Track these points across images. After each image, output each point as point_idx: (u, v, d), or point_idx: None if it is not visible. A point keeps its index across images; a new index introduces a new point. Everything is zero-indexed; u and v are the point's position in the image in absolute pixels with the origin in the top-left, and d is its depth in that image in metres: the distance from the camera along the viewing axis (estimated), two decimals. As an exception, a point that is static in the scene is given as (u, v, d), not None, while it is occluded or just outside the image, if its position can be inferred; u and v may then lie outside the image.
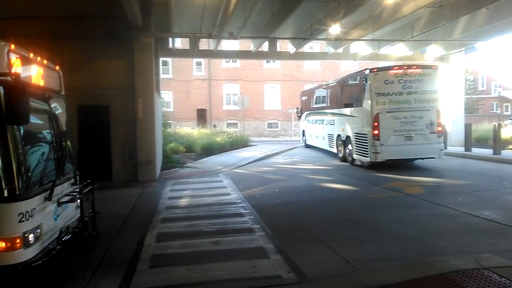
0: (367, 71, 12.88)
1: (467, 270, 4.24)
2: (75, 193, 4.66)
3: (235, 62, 34.26)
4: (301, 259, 4.94)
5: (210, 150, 18.36)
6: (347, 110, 14.72)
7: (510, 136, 19.01)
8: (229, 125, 33.67)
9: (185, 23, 14.91)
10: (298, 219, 7.08)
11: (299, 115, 23.36)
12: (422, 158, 13.19)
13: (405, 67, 12.96)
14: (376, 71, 12.77)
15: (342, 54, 20.13)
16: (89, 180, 5.15)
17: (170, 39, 16.78)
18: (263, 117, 35.11)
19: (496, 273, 4.17)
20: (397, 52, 19.88)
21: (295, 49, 18.61)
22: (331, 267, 4.69)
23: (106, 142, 11.28)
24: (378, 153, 12.43)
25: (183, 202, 8.73)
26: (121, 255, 5.29)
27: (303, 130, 22.55)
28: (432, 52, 19.88)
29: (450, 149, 17.47)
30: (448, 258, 4.73)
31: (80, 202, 4.84)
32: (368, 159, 12.85)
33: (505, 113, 37.96)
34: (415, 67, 13.05)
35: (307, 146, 21.54)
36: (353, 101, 14.14)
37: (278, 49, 19.56)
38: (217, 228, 6.44)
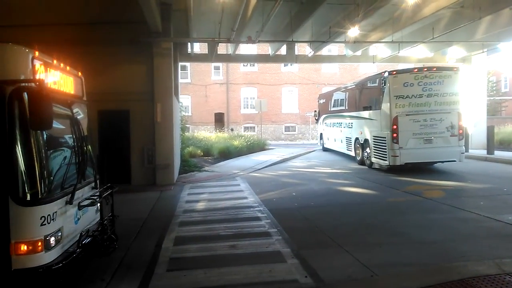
0: (386, 74, 12.82)
1: (488, 276, 4.14)
2: (95, 197, 4.75)
3: (253, 66, 34.39)
4: (319, 263, 4.92)
5: (227, 153, 18.45)
6: (365, 113, 14.65)
7: (535, 138, 18.48)
8: (246, 128, 33.77)
9: (204, 28, 15.08)
10: (316, 223, 7.04)
11: (316, 118, 23.31)
12: (442, 162, 12.99)
13: (425, 69, 12.85)
14: (395, 74, 12.71)
15: (360, 57, 19.99)
16: (108, 184, 5.24)
17: (189, 44, 16.99)
18: (281, 120, 35.08)
19: (519, 279, 4.06)
20: (417, 54, 19.61)
21: (313, 52, 18.57)
22: (348, 272, 4.65)
23: (126, 146, 11.47)
24: (397, 156, 12.32)
25: (200, 205, 8.80)
26: (139, 258, 5.37)
27: (321, 133, 22.48)
28: (453, 53, 19.54)
29: (472, 152, 17.10)
30: (468, 263, 4.63)
31: (100, 205, 4.93)
32: (386, 163, 12.74)
33: (530, 115, 36.87)
34: (435, 69, 12.92)
35: (325, 149, 21.48)
36: (372, 104, 14.07)
37: (296, 53, 19.61)
38: (234, 232, 6.47)
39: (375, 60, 19.83)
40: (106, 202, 5.09)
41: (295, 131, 35.48)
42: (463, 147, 12.90)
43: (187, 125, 25.03)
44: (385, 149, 12.71)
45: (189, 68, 33.33)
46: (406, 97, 12.45)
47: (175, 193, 10.36)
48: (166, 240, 6.15)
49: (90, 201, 4.62)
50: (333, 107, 19.61)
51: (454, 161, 12.73)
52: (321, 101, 22.49)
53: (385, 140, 12.72)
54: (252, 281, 4.47)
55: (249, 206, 8.47)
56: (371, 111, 14.09)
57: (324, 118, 21.30)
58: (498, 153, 16.07)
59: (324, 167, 15.30)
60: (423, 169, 13.10)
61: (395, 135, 12.32)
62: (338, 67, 34.93)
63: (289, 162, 17.53)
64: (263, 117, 28.61)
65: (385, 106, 12.74)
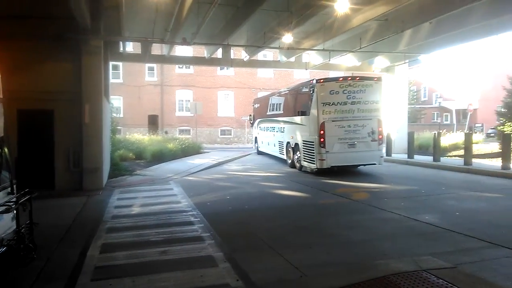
0: (314, 82, 13.45)
1: (407, 272, 4.42)
2: (11, 203, 4.37)
3: (189, 68, 33.94)
4: (250, 266, 4.94)
5: (161, 157, 18.00)
6: (296, 119, 15.22)
7: (448, 144, 20.23)
8: (181, 131, 33.21)
9: (137, 27, 14.60)
10: (249, 226, 7.08)
11: (251, 122, 23.67)
12: (364, 165, 13.81)
13: (350, 78, 13.61)
14: (322, 82, 13.35)
15: (294, 63, 20.57)
16: (27, 189, 4.85)
17: (121, 43, 16.34)
18: (216, 124, 34.98)
19: (434, 274, 4.38)
20: (346, 62, 20.60)
21: (249, 56, 18.78)
22: (280, 274, 4.73)
23: (49, 149, 10.72)
24: (324, 160, 12.98)
25: (130, 211, 8.47)
26: (61, 268, 5.03)
27: (256, 137, 22.88)
28: (379, 63, 20.81)
29: (394, 156, 18.32)
30: (390, 261, 4.92)
31: (16, 212, 4.55)
32: (315, 166, 13.32)
33: (445, 122, 40.33)
34: (358, 78, 13.72)
35: (259, 153, 21.87)
36: (302, 110, 14.62)
37: (232, 56, 19.63)
38: (165, 237, 6.29)
39: (308, 67, 20.51)
40: (24, 209, 4.70)
41: (230, 134, 35.56)
42: (383, 151, 13.72)
43: (118, 127, 24.03)
44: (313, 153, 13.32)
45: (121, 68, 32.06)
46: (332, 104, 13.10)
47: (103, 198, 9.88)
48: (92, 248, 5.82)
49: (4, 207, 4.24)
50: (266, 111, 20.03)
51: (375, 164, 13.58)
52: (256, 105, 22.96)
53: (313, 145, 13.32)
54: (183, 287, 4.38)
55: (182, 211, 8.31)
56: (301, 116, 14.67)
57: (259, 122, 21.72)
58: (418, 157, 17.34)
59: (258, 170, 15.50)
60: (349, 172, 13.78)
61: (322, 139, 12.95)
62: (273, 72, 35.62)
63: (224, 165, 17.51)
64: (198, 120, 28.32)
65: (313, 112, 13.35)
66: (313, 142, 13.34)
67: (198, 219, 7.51)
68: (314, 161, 13.34)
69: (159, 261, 5.23)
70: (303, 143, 14.25)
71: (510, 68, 25.54)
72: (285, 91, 18.00)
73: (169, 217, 7.75)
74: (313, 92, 13.38)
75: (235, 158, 20.14)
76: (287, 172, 14.66)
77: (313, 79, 13.85)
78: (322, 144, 12.95)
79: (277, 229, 6.86)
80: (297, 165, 15.05)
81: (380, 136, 13.46)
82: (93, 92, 11.00)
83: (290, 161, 15.87)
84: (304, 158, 14.23)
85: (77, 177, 10.91)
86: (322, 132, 12.96)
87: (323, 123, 12.99)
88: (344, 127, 13.10)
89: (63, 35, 10.55)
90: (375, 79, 13.81)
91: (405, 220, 7.22)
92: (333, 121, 13.05)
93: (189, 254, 5.46)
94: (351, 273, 4.57)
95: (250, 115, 24.13)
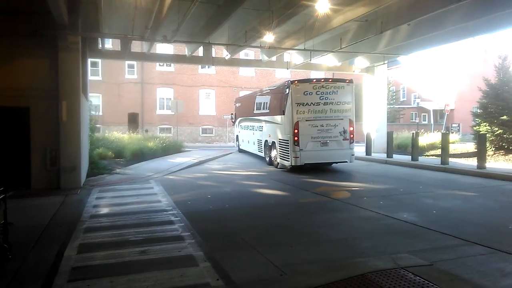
0: (289, 83, 14.03)
1: (385, 270, 4.49)
2: (-16, 203, 4.25)
3: (170, 66, 33.62)
4: (231, 265, 4.93)
5: (141, 155, 17.77)
6: (273, 118, 15.75)
7: (426, 143, 20.64)
8: (162, 130, 32.90)
9: (116, 24, 14.38)
10: (229, 225, 7.07)
11: (233, 121, 24.00)
12: (336, 162, 14.58)
13: (323, 80, 14.20)
14: (297, 83, 13.93)
15: (275, 62, 20.63)
16: (1, 189, 4.73)
17: (100, 39, 16.06)
18: (198, 122, 34.78)
19: (411, 272, 4.46)
20: (327, 62, 20.78)
21: (230, 55, 18.72)
22: (260, 272, 4.73)
23: (25, 147, 10.46)
24: (298, 157, 13.62)
25: (109, 210, 8.34)
26: (37, 269, 4.90)
27: (237, 135, 23.28)
28: (359, 63, 21.08)
29: (374, 155, 18.59)
30: (369, 259, 4.99)
31: (-11, 212, 4.43)
32: (289, 163, 13.94)
33: (423, 122, 41.14)
34: (331, 80, 14.42)
35: (240, 150, 22.26)
36: (278, 110, 15.09)
37: (213, 55, 19.57)
38: (144, 237, 6.22)
39: (289, 66, 20.61)
40: (-3, 209, 4.59)
41: (212, 133, 35.41)
42: (354, 149, 14.38)
43: (97, 125, 23.62)
44: (288, 151, 13.88)
45: (101, 65, 31.53)
46: (306, 104, 13.70)
47: (81, 197, 9.69)
48: (69, 248, 5.70)
49: (-24, 208, 4.13)
50: (247, 110, 20.31)
51: (346, 162, 14.26)
52: (237, 104, 23.29)
53: (288, 143, 13.91)
54: (162, 287, 4.33)
55: (162, 210, 8.23)
56: (277, 116, 15.17)
57: (240, 121, 22.05)
58: (397, 156, 17.65)
59: (239, 169, 15.48)
60: (330, 171, 13.96)
61: (296, 138, 13.57)
62: (255, 71, 35.63)
63: (206, 164, 17.43)
64: (179, 118, 28.10)
65: (288, 112, 13.93)
66: (288, 140, 13.90)
67: (179, 218, 7.45)
68: (289, 158, 13.90)
69: (138, 261, 5.16)
70: (279, 142, 14.78)
71: (485, 69, 26.24)
72: (263, 91, 18.41)
73: (149, 216, 7.66)
74: (288, 93, 13.94)
75: (217, 157, 20.06)
76: (267, 170, 14.71)
77: (288, 80, 14.42)
78: (296, 143, 13.56)
79: (257, 228, 6.87)
80: (275, 162, 15.51)
81: (352, 136, 14.09)
82: (70, 90, 10.77)
83: (268, 158, 16.34)
84: (280, 156, 14.78)
85: (54, 176, 10.68)
86: (296, 131, 13.57)
87: (297, 122, 13.59)
88: (317, 126, 13.73)
89: (39, 31, 10.30)
90: (347, 81, 14.30)
91: (384, 218, 7.33)
92: (306, 120, 13.66)
93: (169, 254, 5.41)
94: (331, 271, 4.61)
95: (232, 114, 24.38)
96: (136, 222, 7.24)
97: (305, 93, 13.71)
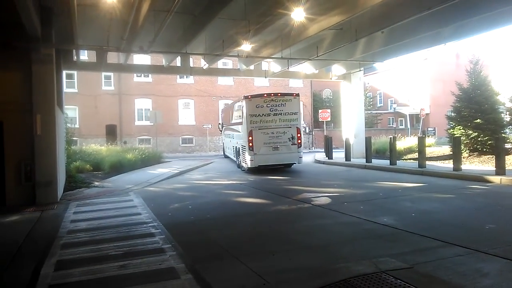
0: (243, 97, 16.49)
1: (367, 275, 4.53)
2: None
3: (147, 76, 33.33)
4: (213, 276, 4.88)
5: (120, 167, 17.50)
6: (238, 127, 17.99)
7: (404, 147, 21.04)
8: (141, 141, 32.49)
9: (91, 35, 14.22)
10: (211, 236, 7.01)
11: (220, 130, 25.64)
12: (286, 164, 16.76)
13: (272, 94, 16.51)
14: (250, 98, 16.28)
15: (254, 71, 20.76)
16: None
17: (74, 51, 15.84)
18: (177, 132, 34.51)
19: (392, 275, 4.52)
20: (305, 70, 21.01)
21: (208, 65, 18.75)
22: (242, 282, 4.70)
23: (-1, 162, 10.18)
24: (253, 160, 15.90)
25: (87, 225, 8.14)
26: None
27: (223, 143, 25.53)
28: (336, 70, 21.40)
29: (353, 160, 18.82)
30: (351, 264, 5.03)
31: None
32: (247, 165, 16.28)
33: (400, 127, 41.90)
34: (279, 94, 16.64)
35: (226, 156, 24.35)
36: (240, 120, 17.27)
37: (191, 65, 19.58)
38: (125, 251, 6.09)
39: (267, 74, 20.77)
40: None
41: (192, 143, 35.18)
42: (301, 153, 16.57)
43: (74, 138, 23.18)
44: (246, 155, 16.12)
45: (76, 77, 31.02)
46: (258, 115, 15.96)
47: (59, 212, 9.45)
48: (46, 265, 5.53)
49: None
50: (227, 120, 21.95)
51: (295, 163, 16.65)
52: (223, 114, 25.10)
53: (245, 148, 16.15)
54: (143, 302, 4.25)
55: (142, 223, 8.10)
56: (239, 125, 17.36)
57: (224, 130, 23.89)
58: (376, 161, 17.90)
59: (220, 178, 15.43)
60: (311, 178, 14.13)
61: (251, 144, 15.87)
62: (233, 80, 35.68)
63: (186, 174, 17.30)
64: (159, 129, 27.83)
65: (244, 122, 16.28)
66: (245, 146, 16.15)
67: (159, 230, 7.34)
68: (246, 162, 16.19)
69: (118, 275, 5.05)
70: (241, 147, 17.14)
71: (458, 74, 27.00)
72: (233, 103, 20.88)
73: (129, 230, 7.52)
74: (244, 106, 16.30)
75: (197, 167, 19.93)
76: (248, 179, 14.72)
77: (243, 96, 16.81)
78: (251, 148, 15.86)
79: (239, 237, 6.84)
80: (241, 166, 17.68)
81: (299, 141, 16.27)
82: (44, 103, 10.54)
83: (238, 162, 18.45)
84: (242, 160, 17.13)
85: (30, 191, 10.39)
86: (250, 138, 15.85)
87: (251, 130, 15.88)
88: (268, 134, 15.97)
89: (11, 43, 10.08)
90: (294, 95, 16.70)
91: (365, 223, 7.40)
92: (259, 129, 15.92)
93: (150, 267, 5.32)
94: (313, 278, 4.62)
95: (219, 123, 26.20)
96: (115, 236, 7.09)
97: (257, 106, 15.97)
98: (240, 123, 17.12)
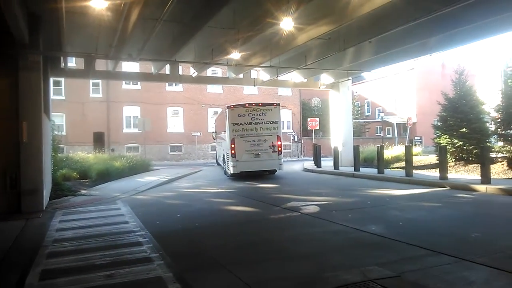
0: (226, 107, 17.20)
1: (355, 283, 4.54)
2: None
3: (136, 84, 33.22)
4: (201, 285, 4.84)
5: (107, 175, 17.33)
6: (223, 135, 18.61)
7: (391, 156, 21.23)
8: (129, 149, 32.28)
9: (80, 42, 14.11)
10: (200, 245, 6.96)
11: (214, 138, 25.96)
12: (267, 170, 17.43)
13: (254, 104, 17.24)
14: (232, 107, 17.10)
15: (243, 79, 20.83)
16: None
17: (62, 58, 15.72)
18: (166, 140, 34.36)
19: (380, 284, 4.53)
20: (294, 78, 21.15)
21: (197, 73, 18.73)
22: (231, 292, 4.67)
23: (-18, 170, 9.99)
24: (235, 166, 16.62)
25: (74, 233, 8.01)
26: (-5, 299, 4.65)
27: (216, 151, 26.09)
28: (324, 79, 21.60)
29: (342, 169, 18.93)
30: (339, 272, 5.03)
31: None
32: (230, 171, 16.93)
33: (388, 135, 42.37)
34: (260, 104, 17.32)
35: (218, 164, 24.57)
36: (224, 128, 17.85)
37: (180, 73, 19.53)
38: (111, 260, 6.01)
39: (256, 83, 20.86)
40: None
41: (181, 151, 35.05)
42: (282, 159, 17.34)
43: (61, 146, 22.92)
44: (229, 161, 16.75)
45: (64, 84, 30.77)
46: (240, 124, 16.69)
47: (44, 221, 9.29)
48: (30, 275, 5.43)
49: None
50: (217, 129, 22.60)
51: (276, 170, 17.47)
52: (215, 123, 25.39)
53: (229, 155, 16.80)
54: (130, 312, 4.20)
55: (129, 231, 8.01)
56: (224, 133, 17.92)
57: (216, 138, 24.29)
58: (364, 170, 18.03)
59: (209, 186, 15.37)
60: (299, 187, 14.15)
61: (233, 151, 16.55)
62: (222, 88, 35.76)
63: (175, 182, 17.20)
64: (147, 137, 27.70)
65: (227, 130, 17.00)
66: (229, 153, 16.84)
67: (147, 239, 7.27)
68: (229, 168, 16.85)
69: (105, 285, 4.98)
70: (226, 154, 17.79)
71: (443, 83, 27.46)
72: (220, 112, 21.71)
73: (116, 238, 7.43)
74: (226, 115, 16.99)
75: (186, 175, 19.84)
76: (237, 187, 14.69)
77: (226, 105, 17.58)
78: (233, 155, 16.53)
79: (228, 246, 6.80)
80: (226, 172, 18.18)
81: (279, 148, 17.01)
82: (31, 110, 10.41)
83: (224, 169, 19.01)
84: (227, 166, 17.75)
85: (15, 199, 10.20)
86: (233, 145, 16.53)
87: (233, 138, 16.58)
88: (250, 141, 16.64)
89: (-4, 50, 9.97)
90: (274, 104, 17.39)
91: (353, 231, 7.43)
92: (241, 137, 16.62)
93: (137, 277, 5.25)
94: (302, 287, 4.61)
95: (213, 132, 26.81)
96: (102, 245, 7.00)
97: (239, 115, 16.73)
98: (224, 131, 17.74)
